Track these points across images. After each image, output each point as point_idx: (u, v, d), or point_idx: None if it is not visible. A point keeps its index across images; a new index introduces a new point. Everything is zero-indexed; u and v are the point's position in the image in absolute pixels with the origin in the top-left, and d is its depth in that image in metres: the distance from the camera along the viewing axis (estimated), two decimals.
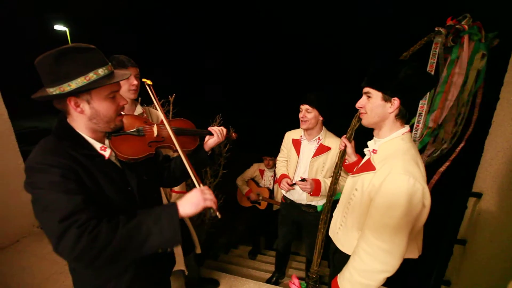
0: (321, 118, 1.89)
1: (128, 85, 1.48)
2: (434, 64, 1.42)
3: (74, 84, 0.79)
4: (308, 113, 1.86)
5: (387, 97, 1.06)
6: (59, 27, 13.95)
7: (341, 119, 1.53)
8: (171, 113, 2.71)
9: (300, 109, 1.90)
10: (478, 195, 1.83)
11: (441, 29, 1.38)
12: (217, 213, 0.90)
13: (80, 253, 0.71)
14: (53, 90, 0.79)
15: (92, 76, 0.80)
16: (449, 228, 1.94)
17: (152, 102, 1.12)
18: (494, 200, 1.72)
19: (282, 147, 2.21)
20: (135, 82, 1.49)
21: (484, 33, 1.42)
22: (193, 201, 0.87)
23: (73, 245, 0.70)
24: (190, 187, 2.87)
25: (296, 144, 2.03)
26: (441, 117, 1.56)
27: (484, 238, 1.76)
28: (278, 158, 2.25)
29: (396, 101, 1.05)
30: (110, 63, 0.87)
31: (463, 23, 1.39)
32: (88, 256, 0.72)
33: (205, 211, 0.90)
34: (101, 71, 0.82)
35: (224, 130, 1.27)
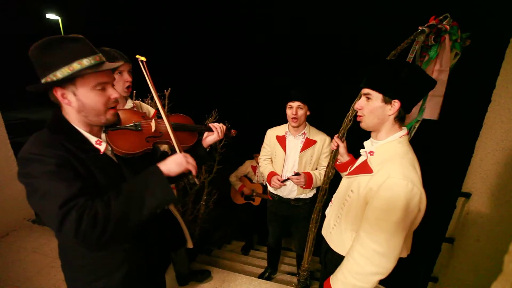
0: (308, 113, 1.93)
1: (122, 82, 1.42)
2: (411, 59, 1.45)
3: (59, 74, 0.78)
4: (299, 109, 1.87)
5: (387, 99, 1.04)
6: (51, 15, 13.56)
7: (337, 116, 1.53)
8: (166, 107, 2.68)
9: (290, 106, 1.88)
10: (467, 195, 1.87)
11: (424, 28, 1.40)
12: (195, 179, 0.92)
13: (84, 235, 0.72)
14: (43, 81, 0.80)
15: (76, 66, 0.79)
16: (438, 227, 1.99)
17: (146, 97, 1.10)
18: (483, 200, 1.76)
19: (264, 145, 2.20)
20: (129, 78, 1.44)
21: (460, 33, 1.46)
22: (177, 161, 0.89)
23: (76, 228, 0.71)
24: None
25: (281, 140, 2.04)
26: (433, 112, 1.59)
27: (471, 237, 1.80)
28: (260, 156, 2.24)
29: (396, 103, 1.04)
30: (99, 54, 0.85)
31: (444, 22, 1.41)
32: (93, 236, 0.73)
33: (185, 176, 0.95)
34: (86, 61, 0.81)
35: (224, 127, 1.26)
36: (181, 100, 2.78)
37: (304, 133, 1.97)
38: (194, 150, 1.21)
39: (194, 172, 0.92)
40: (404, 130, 1.12)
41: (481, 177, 1.78)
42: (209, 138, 1.23)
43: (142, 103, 1.74)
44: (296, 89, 1.87)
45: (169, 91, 2.67)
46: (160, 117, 1.11)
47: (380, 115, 1.08)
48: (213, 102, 3.54)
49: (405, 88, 1.03)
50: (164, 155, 1.23)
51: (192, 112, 1.33)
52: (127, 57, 1.44)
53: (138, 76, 1.49)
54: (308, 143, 1.95)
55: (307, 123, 2.00)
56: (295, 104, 1.86)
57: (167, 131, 1.04)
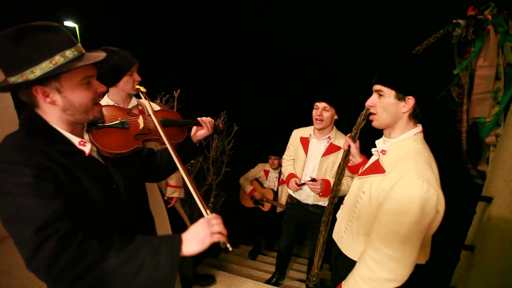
0: (336, 117, 1.83)
1: (132, 81, 1.44)
2: (455, 52, 1.36)
3: (38, 70, 0.66)
4: (325, 111, 1.78)
5: (401, 96, 0.99)
6: (68, 23, 14.06)
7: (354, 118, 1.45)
8: (175, 108, 2.69)
9: (316, 107, 1.82)
10: (488, 200, 1.77)
11: (459, 21, 1.27)
12: (228, 245, 0.78)
13: (60, 271, 0.60)
14: (15, 79, 0.67)
15: (58, 59, 0.68)
16: (457, 233, 1.89)
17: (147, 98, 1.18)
18: (506, 205, 1.66)
19: (288, 145, 2.15)
20: (139, 78, 1.45)
21: (511, 23, 1.29)
22: (199, 237, 0.74)
23: (53, 259, 0.59)
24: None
25: (305, 142, 1.97)
26: (474, 112, 1.47)
27: (494, 244, 1.69)
28: (284, 156, 2.19)
29: (411, 100, 0.98)
30: (79, 44, 0.74)
31: (485, 13, 1.27)
32: (68, 276, 0.61)
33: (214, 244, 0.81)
34: (69, 53, 0.70)
35: (213, 121, 1.24)
36: (190, 102, 2.78)
37: (329, 138, 1.88)
38: (184, 145, 1.19)
39: (223, 240, 0.77)
40: (419, 127, 1.06)
41: (503, 180, 1.68)
42: (199, 133, 1.21)
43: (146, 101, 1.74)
44: (325, 89, 1.80)
45: (178, 92, 2.69)
46: (148, 114, 1.07)
47: (393, 113, 1.03)
48: (224, 103, 3.51)
49: (420, 84, 0.97)
50: (151, 153, 1.18)
51: (200, 114, 1.30)
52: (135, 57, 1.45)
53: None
54: (332, 149, 1.85)
55: (334, 128, 1.91)
56: (321, 105, 1.79)
57: (156, 128, 0.99)
